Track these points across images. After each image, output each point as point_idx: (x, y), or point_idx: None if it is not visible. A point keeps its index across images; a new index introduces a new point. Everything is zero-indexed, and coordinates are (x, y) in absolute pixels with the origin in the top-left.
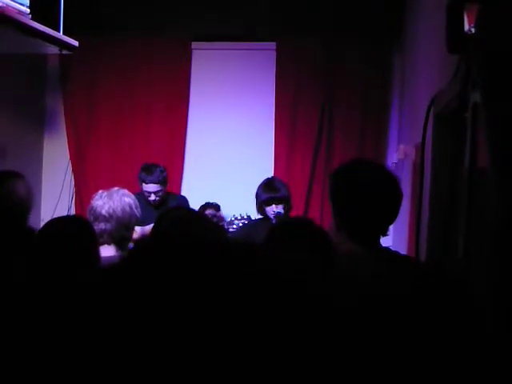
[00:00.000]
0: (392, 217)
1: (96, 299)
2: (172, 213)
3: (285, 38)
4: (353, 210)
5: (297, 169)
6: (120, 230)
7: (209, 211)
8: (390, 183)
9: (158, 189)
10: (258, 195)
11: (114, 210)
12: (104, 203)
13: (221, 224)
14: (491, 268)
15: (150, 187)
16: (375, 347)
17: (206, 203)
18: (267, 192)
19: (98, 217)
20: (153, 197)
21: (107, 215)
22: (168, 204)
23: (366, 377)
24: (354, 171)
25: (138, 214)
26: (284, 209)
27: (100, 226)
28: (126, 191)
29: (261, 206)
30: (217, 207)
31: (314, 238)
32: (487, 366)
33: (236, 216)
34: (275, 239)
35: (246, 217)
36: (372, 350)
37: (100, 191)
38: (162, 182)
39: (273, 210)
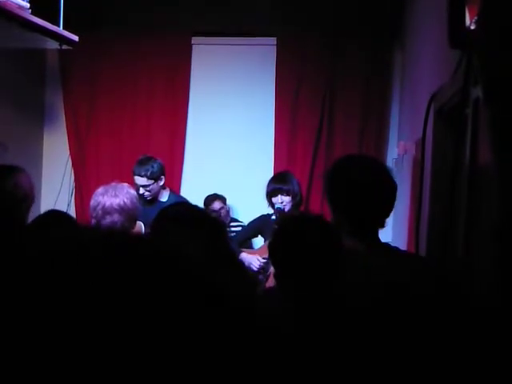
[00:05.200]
0: (388, 208)
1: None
2: (171, 209)
3: (285, 33)
4: (347, 207)
5: (297, 164)
6: (130, 221)
7: (217, 203)
8: (382, 175)
9: (145, 183)
10: (266, 187)
11: (124, 203)
12: (113, 197)
13: (225, 217)
14: (492, 265)
15: (137, 180)
16: (374, 344)
17: (213, 194)
18: (273, 183)
19: (110, 211)
20: (141, 190)
21: (118, 208)
22: (160, 202)
23: (366, 374)
24: (344, 168)
25: (140, 207)
26: (292, 202)
27: (113, 218)
28: (127, 185)
29: (267, 197)
30: (224, 199)
31: (326, 235)
32: (487, 364)
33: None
34: (286, 235)
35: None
36: (371, 347)
37: (101, 188)
38: (151, 176)
39: (279, 201)
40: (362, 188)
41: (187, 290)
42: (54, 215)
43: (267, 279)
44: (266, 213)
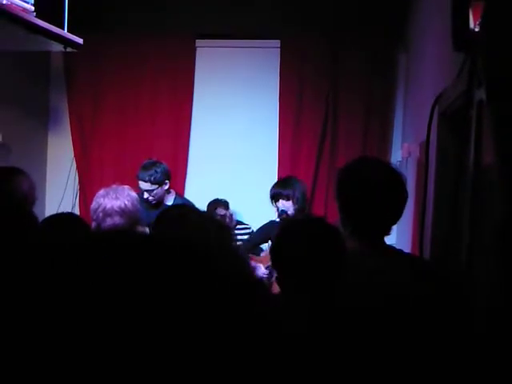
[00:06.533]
0: (396, 217)
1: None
2: (172, 211)
3: (289, 35)
4: (357, 208)
5: (301, 166)
6: (131, 224)
7: (219, 210)
8: (396, 183)
9: (149, 188)
10: (269, 191)
11: (125, 205)
12: (113, 199)
13: (230, 223)
14: (495, 266)
15: (141, 185)
16: (373, 345)
17: (215, 200)
18: (275, 187)
19: (111, 213)
20: (146, 195)
21: (119, 210)
22: (166, 206)
23: (365, 376)
24: (361, 169)
25: (141, 210)
26: (294, 207)
27: (114, 221)
28: (128, 187)
29: (271, 201)
30: (226, 204)
31: (328, 236)
32: (487, 365)
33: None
34: (287, 236)
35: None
36: (371, 348)
37: (102, 190)
38: (154, 181)
39: (280, 206)
40: (372, 189)
41: (191, 280)
42: (64, 217)
43: (271, 286)
44: (273, 217)
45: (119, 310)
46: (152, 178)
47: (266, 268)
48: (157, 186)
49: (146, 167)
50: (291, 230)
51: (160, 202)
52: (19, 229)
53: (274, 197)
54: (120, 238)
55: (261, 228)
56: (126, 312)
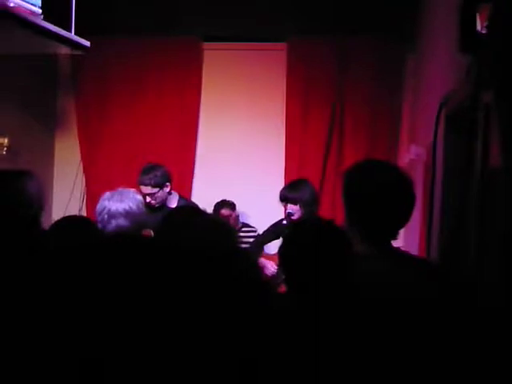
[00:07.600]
0: (403, 219)
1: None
2: (176, 213)
3: (296, 39)
4: (364, 210)
5: (308, 168)
6: (135, 226)
7: (225, 210)
8: (404, 185)
9: (149, 192)
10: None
11: (130, 207)
12: (118, 201)
13: (235, 224)
14: (503, 269)
15: (142, 189)
16: (376, 345)
17: (222, 201)
18: (282, 190)
19: (115, 215)
20: (148, 199)
21: (124, 212)
22: (169, 208)
23: (365, 376)
24: (369, 171)
25: (145, 212)
26: (301, 211)
27: (118, 223)
28: (133, 190)
29: (281, 203)
30: (232, 206)
31: (337, 242)
32: (495, 365)
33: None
34: (296, 242)
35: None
36: (379, 350)
37: (107, 193)
38: (155, 185)
39: (287, 209)
40: (380, 190)
41: (202, 281)
42: (75, 220)
43: (280, 285)
44: (282, 217)
45: (127, 309)
46: (152, 182)
47: (276, 266)
48: (158, 189)
49: (145, 171)
50: (300, 232)
51: (163, 204)
52: (20, 231)
53: (282, 199)
54: (128, 242)
55: (270, 227)
56: (133, 311)
